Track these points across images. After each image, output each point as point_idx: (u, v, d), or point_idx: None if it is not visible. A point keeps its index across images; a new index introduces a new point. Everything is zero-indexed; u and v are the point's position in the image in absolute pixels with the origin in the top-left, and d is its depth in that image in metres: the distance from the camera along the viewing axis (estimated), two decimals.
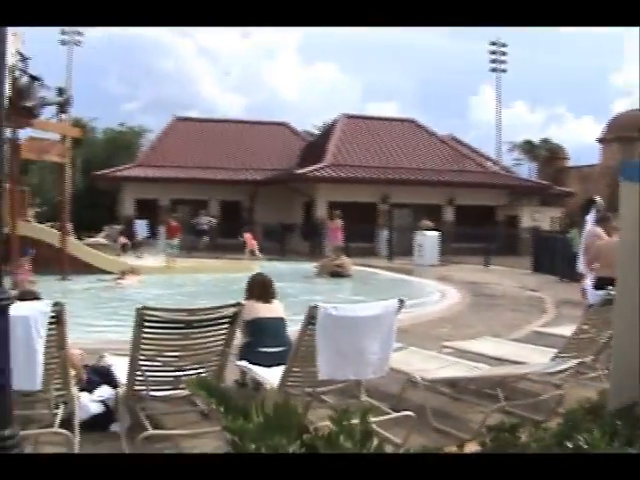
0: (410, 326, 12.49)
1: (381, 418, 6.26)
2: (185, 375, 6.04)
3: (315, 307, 5.84)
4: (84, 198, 49.09)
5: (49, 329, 5.64)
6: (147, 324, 5.70)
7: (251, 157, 43.20)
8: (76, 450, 5.61)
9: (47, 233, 21.54)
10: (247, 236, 30.06)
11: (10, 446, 3.49)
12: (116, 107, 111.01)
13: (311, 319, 5.84)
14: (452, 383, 7.33)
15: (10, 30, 17.36)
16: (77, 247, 22.72)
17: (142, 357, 5.87)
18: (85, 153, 52.38)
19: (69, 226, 32.78)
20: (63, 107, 20.34)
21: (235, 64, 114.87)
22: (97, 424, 6.23)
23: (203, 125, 45.96)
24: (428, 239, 28.66)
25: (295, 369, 6.14)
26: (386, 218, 35.03)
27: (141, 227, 34.37)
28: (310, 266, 24.55)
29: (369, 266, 26.70)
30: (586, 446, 2.76)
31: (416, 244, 29.02)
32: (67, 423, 5.89)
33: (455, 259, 29.30)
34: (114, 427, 6.18)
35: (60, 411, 5.98)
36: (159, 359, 5.97)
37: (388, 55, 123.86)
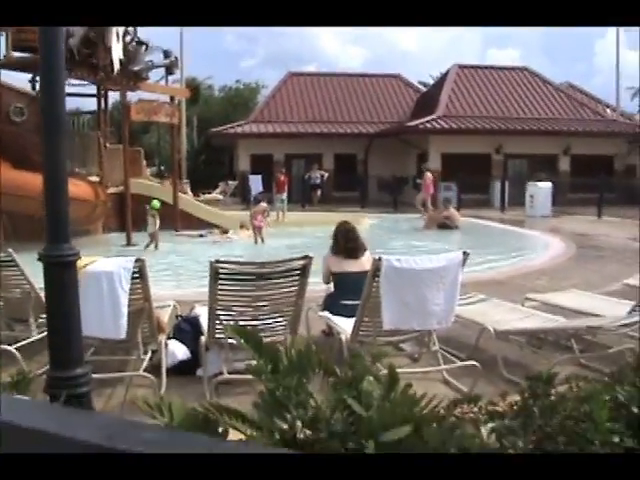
0: (507, 278, 12.58)
1: (446, 367, 6.49)
2: (261, 324, 6.42)
3: (379, 259, 6.06)
4: (201, 155, 50.28)
5: (133, 283, 6.08)
6: (221, 276, 6.07)
7: (365, 110, 43.09)
8: (162, 392, 6.10)
9: (160, 190, 22.27)
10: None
11: (82, 384, 3.88)
12: (235, 64, 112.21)
13: (376, 271, 6.07)
14: (525, 334, 7.41)
15: None
16: (189, 203, 23.46)
17: (219, 307, 6.26)
18: (202, 111, 53.39)
19: (186, 183, 33.84)
20: (170, 69, 21.00)
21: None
22: (184, 369, 6.68)
23: (316, 79, 46.00)
24: (540, 190, 28.23)
25: (365, 319, 6.40)
26: (499, 169, 34.60)
27: (255, 182, 34.88)
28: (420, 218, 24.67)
29: (481, 217, 26.55)
30: (624, 399, 2.84)
31: (528, 195, 28.64)
32: (157, 368, 6.41)
33: (569, 210, 28.73)
34: (199, 372, 6.58)
35: (147, 357, 6.49)
36: (235, 309, 6.34)
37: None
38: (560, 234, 20.28)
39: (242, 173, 39.08)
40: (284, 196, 27.59)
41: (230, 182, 37.98)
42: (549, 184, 28.21)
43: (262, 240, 19.40)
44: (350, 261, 7.57)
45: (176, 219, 21.31)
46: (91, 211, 18.52)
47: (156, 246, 18.33)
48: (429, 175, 29.32)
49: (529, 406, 3.16)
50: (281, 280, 6.29)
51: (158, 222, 18.39)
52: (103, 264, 6.17)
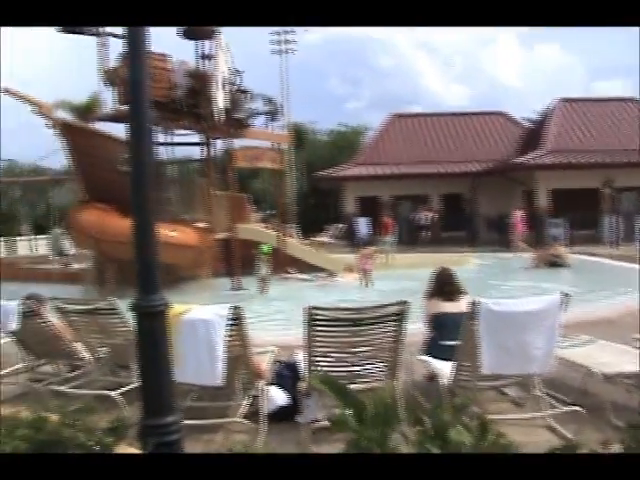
0: (618, 317, 12.17)
1: (551, 412, 6.29)
2: (359, 370, 6.37)
3: (477, 302, 5.95)
4: (309, 199, 50.77)
5: (229, 330, 6.13)
6: (317, 322, 6.06)
7: (470, 149, 42.84)
8: (261, 439, 6.09)
9: (266, 235, 22.54)
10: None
11: (172, 431, 3.91)
12: (341, 107, 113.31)
13: (473, 314, 5.96)
14: (635, 377, 7.11)
15: (222, 45, 18.48)
16: (296, 247, 23.68)
17: (316, 353, 6.23)
18: (308, 155, 54.04)
19: (294, 227, 34.21)
20: (272, 116, 21.38)
21: (455, 54, 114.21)
22: (284, 415, 6.66)
23: (420, 119, 46.07)
24: None
25: (465, 363, 6.28)
26: (610, 203, 33.72)
27: (362, 225, 34.98)
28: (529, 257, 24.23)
29: (591, 254, 25.92)
30: None
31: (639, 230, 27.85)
32: (257, 414, 6.43)
33: None
34: (299, 418, 6.55)
35: (246, 403, 6.51)
36: (332, 355, 6.31)
37: (612, 29, 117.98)
38: None
39: (349, 216, 39.30)
40: (390, 238, 27.55)
41: (337, 225, 38.22)
42: None
43: (369, 283, 19.40)
44: (448, 303, 7.49)
45: (282, 263, 21.51)
46: (198, 256, 18.91)
47: (266, 290, 18.61)
48: (518, 214, 28.96)
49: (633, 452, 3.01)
50: (377, 325, 6.22)
51: (268, 266, 18.78)
52: (199, 311, 6.24)
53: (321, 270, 22.11)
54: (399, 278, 20.23)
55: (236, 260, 19.40)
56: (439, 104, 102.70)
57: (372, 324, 6.19)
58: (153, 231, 4.07)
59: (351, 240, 34.87)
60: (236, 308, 6.16)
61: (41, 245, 35.13)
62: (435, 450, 2.71)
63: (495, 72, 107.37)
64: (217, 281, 20.30)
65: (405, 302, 6.14)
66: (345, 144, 56.81)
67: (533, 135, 40.18)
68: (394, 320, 6.17)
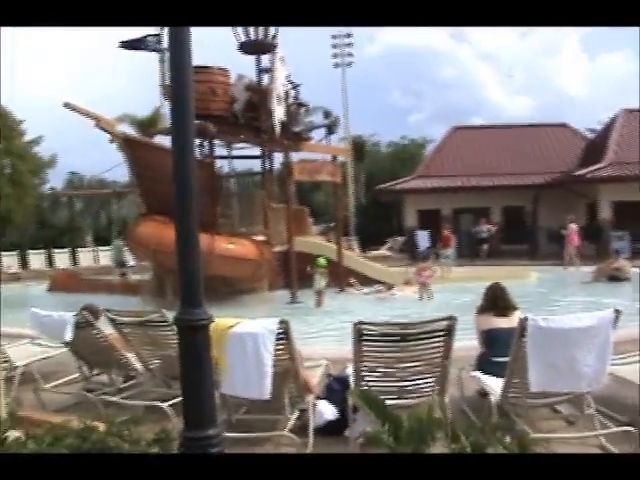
0: None
1: (603, 432, 6.17)
2: (407, 385, 6.34)
3: (525, 319, 5.88)
4: (369, 212, 50.86)
5: (278, 344, 6.16)
6: (365, 337, 6.06)
7: (532, 161, 42.34)
8: (309, 451, 6.11)
9: (325, 248, 22.59)
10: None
11: (213, 444, 3.93)
12: (402, 119, 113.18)
13: (523, 331, 5.89)
14: None
15: (280, 59, 18.66)
16: (354, 260, 23.69)
17: (364, 368, 6.23)
18: (369, 168, 54.15)
19: (354, 240, 34.26)
20: (331, 129, 21.49)
21: (517, 65, 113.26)
22: (332, 429, 6.64)
23: (481, 132, 45.88)
24: None
25: (514, 380, 6.21)
26: None
27: (423, 238, 34.85)
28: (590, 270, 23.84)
29: None
30: None
31: None
32: (306, 428, 6.44)
33: None
34: (347, 432, 6.54)
35: (294, 417, 6.53)
36: (379, 370, 6.30)
37: None
38: None
39: (409, 229, 39.20)
40: (450, 252, 27.43)
41: (398, 238, 38.21)
42: None
43: (429, 296, 19.34)
44: (499, 319, 7.41)
45: (340, 276, 21.53)
46: (256, 270, 19.06)
47: (321, 304, 18.69)
48: (573, 226, 28.52)
49: None
50: (425, 341, 6.18)
51: (325, 280, 18.88)
52: (248, 325, 6.29)
53: (380, 283, 22.04)
54: (458, 291, 20.02)
55: (294, 273, 19.48)
56: (501, 115, 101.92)
57: (420, 339, 6.15)
58: (196, 243, 4.11)
59: (411, 253, 34.75)
60: (284, 322, 6.18)
61: (103, 256, 35.78)
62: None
63: (559, 82, 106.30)
64: (275, 294, 20.43)
65: (453, 317, 6.10)
66: (406, 156, 56.84)
67: (595, 147, 39.61)
68: (442, 335, 6.13)
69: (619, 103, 39.33)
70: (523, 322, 5.89)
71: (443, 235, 29.12)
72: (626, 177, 33.32)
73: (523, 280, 22.68)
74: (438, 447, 2.87)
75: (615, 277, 22.12)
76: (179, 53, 4.01)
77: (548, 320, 5.89)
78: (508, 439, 2.85)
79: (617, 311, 6.02)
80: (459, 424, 2.83)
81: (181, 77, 4.11)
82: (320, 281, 18.91)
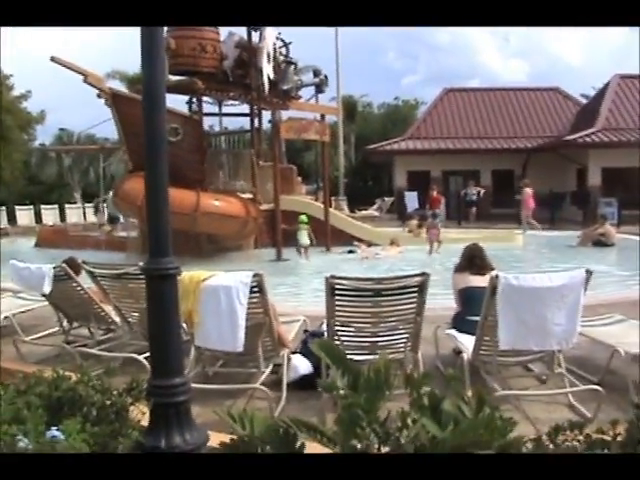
0: None
1: (570, 390, 6.26)
2: (380, 341, 6.41)
3: (496, 276, 5.94)
4: (359, 172, 50.78)
5: (251, 297, 6.21)
6: (337, 292, 6.11)
7: (523, 125, 42.39)
8: (281, 405, 6.19)
9: (312, 207, 22.64)
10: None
11: (180, 392, 4.00)
12: (397, 82, 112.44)
13: (494, 289, 5.95)
14: None
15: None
16: (341, 220, 23.73)
17: (337, 323, 6.29)
18: (360, 129, 53.93)
19: (343, 200, 34.25)
20: (319, 88, 21.42)
21: (514, 30, 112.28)
22: (306, 383, 6.71)
23: (473, 94, 45.65)
24: None
25: (485, 338, 6.28)
26: None
27: (411, 199, 34.88)
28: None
29: None
30: None
31: None
32: (280, 382, 6.52)
33: None
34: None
35: (268, 370, 6.60)
36: (353, 325, 6.37)
37: None
38: None
39: (398, 190, 39.24)
40: (438, 213, 27.43)
41: (386, 199, 38.22)
42: None
43: (436, 251, 20.55)
44: (476, 277, 7.47)
45: (327, 235, 21.59)
46: (242, 227, 19.11)
47: (307, 258, 19.45)
48: (528, 191, 28.74)
49: (634, 436, 2.98)
50: (398, 297, 6.23)
51: (308, 236, 19.74)
52: (222, 278, 6.33)
53: (360, 241, 22.16)
54: (445, 253, 20.04)
55: (280, 231, 19.57)
56: (496, 80, 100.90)
57: (393, 295, 6.21)
58: (165, 194, 4.13)
59: (400, 214, 34.80)
60: (258, 275, 6.22)
61: (91, 213, 35.72)
62: (424, 420, 2.74)
63: (555, 48, 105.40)
64: (261, 252, 20.52)
65: (425, 273, 6.15)
66: (398, 118, 56.56)
67: (588, 112, 39.44)
68: (415, 291, 6.18)
69: (615, 70, 39.16)
70: (494, 280, 5.93)
71: (431, 196, 29.12)
72: (617, 143, 33.30)
73: (509, 243, 22.78)
74: (395, 397, 2.90)
75: (600, 242, 22.23)
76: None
77: (519, 278, 5.95)
78: (469, 393, 2.89)
79: (588, 271, 6.08)
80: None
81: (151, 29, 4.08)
82: (303, 237, 19.62)
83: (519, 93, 45.35)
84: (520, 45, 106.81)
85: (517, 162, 38.93)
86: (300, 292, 13.55)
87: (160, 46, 4.12)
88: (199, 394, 5.93)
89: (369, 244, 21.61)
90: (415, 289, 6.16)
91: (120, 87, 35.16)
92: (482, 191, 35.38)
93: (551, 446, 2.79)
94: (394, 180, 41.88)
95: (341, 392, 2.92)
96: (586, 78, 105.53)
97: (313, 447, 2.76)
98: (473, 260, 7.83)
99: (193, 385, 5.64)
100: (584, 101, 45.67)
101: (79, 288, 7.90)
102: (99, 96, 18.32)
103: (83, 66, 18.19)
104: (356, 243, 21.72)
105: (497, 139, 40.68)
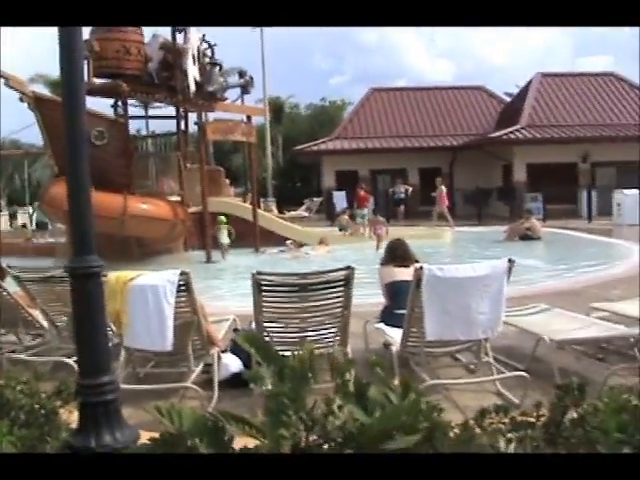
0: (583, 288, 12.38)
1: (497, 377, 6.41)
2: (308, 336, 6.46)
3: (420, 268, 6.04)
4: (288, 173, 50.85)
5: (179, 296, 6.21)
6: (264, 288, 6.15)
7: (449, 123, 42.95)
8: (213, 403, 6.20)
9: (240, 209, 22.66)
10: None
11: (108, 391, 4.00)
12: (324, 82, 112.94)
13: (419, 280, 6.05)
14: (583, 343, 7.24)
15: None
16: (270, 220, 23.79)
17: (265, 319, 6.33)
18: (288, 130, 53.99)
19: (272, 201, 34.29)
20: (245, 89, 21.43)
21: (440, 31, 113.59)
22: (238, 382, 6.73)
23: (399, 94, 46.00)
24: (627, 198, 27.62)
25: (412, 329, 6.39)
26: (587, 178, 33.97)
27: (340, 198, 35.07)
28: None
29: (567, 228, 26.19)
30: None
31: (615, 203, 28.09)
32: (212, 381, 6.53)
33: None
34: (252, 385, 6.62)
35: (198, 369, 6.60)
36: (280, 321, 6.42)
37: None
38: None
39: (327, 190, 39.34)
40: (365, 211, 27.63)
41: (315, 199, 38.35)
42: (637, 192, 27.48)
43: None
44: (401, 269, 7.58)
45: (256, 236, 21.63)
46: (171, 230, 19.04)
47: (224, 256, 19.93)
48: (443, 188, 29.88)
49: (556, 417, 3.08)
50: (325, 291, 6.30)
51: (228, 235, 20.46)
52: (149, 277, 6.32)
53: (289, 240, 22.31)
54: (372, 249, 20.25)
55: (208, 233, 19.57)
56: (423, 80, 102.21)
57: (319, 289, 6.27)
58: (88, 193, 4.13)
59: (328, 213, 34.98)
60: (185, 274, 6.22)
61: (19, 219, 35.10)
62: (350, 406, 2.79)
63: (480, 49, 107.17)
64: (191, 254, 20.47)
65: (351, 267, 6.22)
66: (325, 118, 56.82)
67: (511, 110, 40.21)
68: (341, 285, 6.25)
69: (538, 69, 40.13)
70: (419, 272, 6.04)
71: (358, 195, 29.33)
72: (540, 139, 34.16)
73: (438, 240, 23.11)
74: (321, 384, 2.95)
75: (527, 236, 22.71)
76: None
77: (443, 269, 6.07)
78: (396, 382, 2.94)
79: (511, 261, 6.23)
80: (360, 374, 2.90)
81: (70, 30, 4.07)
82: (223, 237, 20.25)
83: (445, 92, 45.91)
84: (446, 46, 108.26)
85: (444, 160, 39.40)
86: (230, 292, 13.56)
87: (79, 46, 4.11)
88: (131, 395, 5.92)
89: (300, 244, 21.69)
90: (341, 283, 6.24)
91: (44, 91, 34.57)
92: (410, 189, 35.73)
93: (478, 430, 2.86)
94: (322, 180, 42.00)
95: (267, 382, 2.96)
96: (510, 78, 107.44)
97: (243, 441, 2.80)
98: (398, 254, 7.94)
99: (124, 386, 5.65)
100: (508, 99, 46.49)
101: (5, 293, 7.78)
102: (21, 100, 18.00)
103: (4, 69, 17.86)
104: (288, 242, 21.79)
105: (424, 137, 41.12)
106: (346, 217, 26.30)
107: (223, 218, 20.47)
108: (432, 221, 29.15)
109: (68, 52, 4.05)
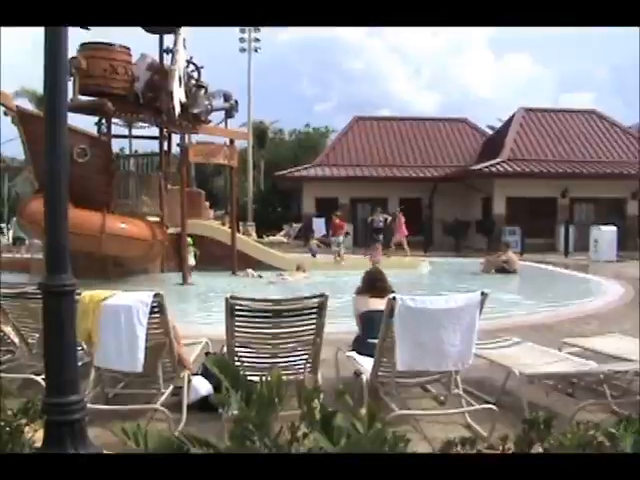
0: (556, 323, 12.44)
1: (466, 409, 6.43)
2: (279, 362, 6.45)
3: (393, 298, 6.06)
4: (268, 198, 50.88)
5: (152, 317, 6.20)
6: (237, 313, 6.15)
7: (430, 154, 43.30)
8: (181, 426, 6.17)
9: (219, 232, 22.70)
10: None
11: (75, 410, 3.99)
12: (309, 108, 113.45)
13: (391, 311, 6.07)
14: (552, 377, 7.27)
15: (182, 40, 18.47)
16: (248, 245, 23.78)
17: (237, 344, 6.33)
18: (271, 155, 54.11)
19: (251, 225, 34.30)
20: (229, 112, 21.48)
21: (426, 62, 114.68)
22: (207, 406, 6.71)
23: (382, 123, 46.34)
24: (604, 234, 27.87)
25: (383, 359, 6.39)
26: (566, 213, 34.28)
27: (319, 225, 35.16)
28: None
29: (544, 262, 26.38)
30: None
31: (592, 239, 28.33)
32: (181, 404, 6.50)
33: (636, 255, 28.05)
34: (221, 409, 6.62)
35: (168, 392, 6.57)
36: (252, 346, 6.41)
37: (584, 42, 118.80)
38: (621, 279, 19.94)
39: (307, 216, 39.41)
40: (340, 238, 27.73)
41: (294, 224, 38.39)
42: (613, 228, 27.78)
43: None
44: (376, 300, 7.59)
45: (233, 259, 21.64)
46: (148, 250, 18.98)
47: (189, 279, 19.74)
48: (401, 217, 30.60)
49: (522, 451, 3.10)
50: (297, 318, 6.32)
51: (194, 255, 20.80)
52: (122, 298, 6.30)
53: (274, 269, 22.23)
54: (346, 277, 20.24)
55: (186, 255, 19.56)
56: (408, 110, 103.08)
57: (292, 316, 6.29)
58: (64, 211, 4.13)
59: (307, 239, 35.01)
60: (159, 296, 6.22)
61: None
62: (316, 434, 2.80)
63: (466, 80, 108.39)
64: (167, 275, 20.43)
65: (324, 295, 6.24)
66: (309, 145, 57.11)
67: (493, 143, 40.69)
68: (314, 313, 6.27)
69: (522, 103, 40.63)
70: (391, 302, 6.06)
71: (333, 222, 29.38)
72: (521, 173, 34.50)
73: (414, 270, 23.18)
74: (288, 411, 2.97)
75: (503, 269, 22.82)
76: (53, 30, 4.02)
77: (416, 300, 6.09)
78: (363, 411, 2.95)
79: (484, 294, 6.26)
80: (329, 402, 2.91)
81: (55, 47, 4.10)
82: (190, 258, 20.54)
83: (428, 123, 46.37)
84: (431, 76, 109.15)
85: (425, 190, 39.60)
86: (204, 315, 13.53)
87: (63, 62, 4.13)
88: (99, 416, 5.89)
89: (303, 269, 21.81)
90: (314, 310, 6.26)
91: (28, 106, 34.49)
92: (389, 218, 35.83)
93: None
94: (302, 207, 42.07)
95: (234, 407, 2.96)
96: (495, 109, 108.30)
97: None
98: (374, 284, 7.96)
99: (92, 406, 5.62)
100: (490, 132, 46.91)
101: None
102: (5, 114, 17.97)
103: None
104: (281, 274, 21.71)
105: (405, 167, 41.40)
106: (315, 242, 26.37)
107: (190, 240, 20.68)
108: (390, 250, 29.29)
109: (52, 68, 4.08)
